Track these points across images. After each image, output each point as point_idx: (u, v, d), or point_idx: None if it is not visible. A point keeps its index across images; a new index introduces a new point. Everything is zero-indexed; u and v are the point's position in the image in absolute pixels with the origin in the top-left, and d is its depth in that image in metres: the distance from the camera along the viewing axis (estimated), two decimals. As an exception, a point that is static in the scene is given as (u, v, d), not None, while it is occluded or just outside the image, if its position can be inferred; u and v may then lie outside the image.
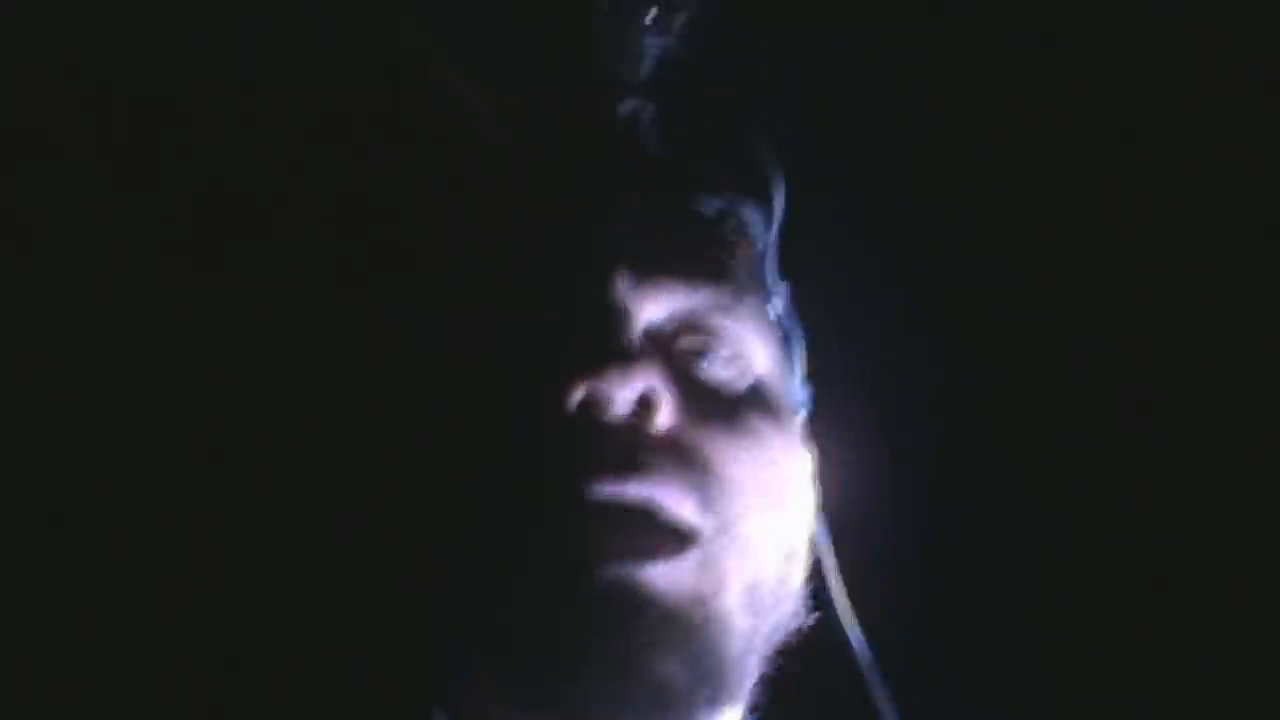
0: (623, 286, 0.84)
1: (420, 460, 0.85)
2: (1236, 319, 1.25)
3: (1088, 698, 1.20)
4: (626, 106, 0.95)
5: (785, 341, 0.99)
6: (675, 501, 0.79)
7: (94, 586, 1.04)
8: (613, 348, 0.80)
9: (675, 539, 0.79)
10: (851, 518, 1.03)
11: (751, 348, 0.89)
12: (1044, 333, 1.27)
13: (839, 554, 1.02)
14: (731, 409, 0.86)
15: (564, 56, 0.96)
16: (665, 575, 0.77)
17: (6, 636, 1.02)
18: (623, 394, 0.79)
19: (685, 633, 0.77)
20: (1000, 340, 1.27)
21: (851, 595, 1.01)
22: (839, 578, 1.01)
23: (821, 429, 1.01)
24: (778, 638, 0.88)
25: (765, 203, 0.98)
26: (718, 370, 0.87)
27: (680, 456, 0.81)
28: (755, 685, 0.87)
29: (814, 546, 0.98)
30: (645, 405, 0.80)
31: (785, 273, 1.00)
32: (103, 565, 1.05)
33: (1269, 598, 1.21)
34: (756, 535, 0.83)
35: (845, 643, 1.00)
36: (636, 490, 0.78)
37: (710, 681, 0.79)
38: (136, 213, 1.12)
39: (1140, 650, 1.19)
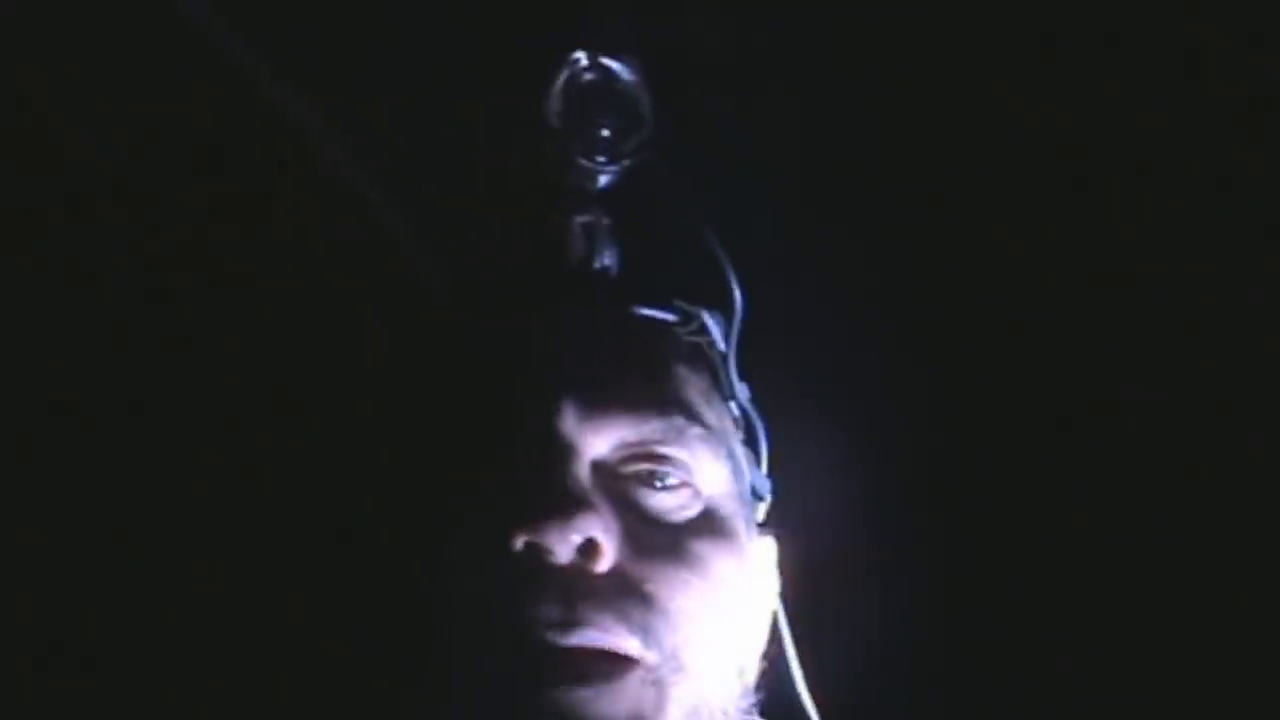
0: (569, 421, 0.84)
1: (366, 584, 0.88)
2: (1235, 315, 1.23)
3: None
4: (581, 221, 0.93)
5: (748, 436, 0.99)
6: (615, 644, 0.80)
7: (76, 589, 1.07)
8: (555, 494, 0.81)
9: (615, 664, 0.80)
10: (815, 601, 1.03)
11: (701, 471, 0.89)
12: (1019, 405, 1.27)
13: (801, 640, 1.02)
14: (677, 538, 0.86)
15: (517, 172, 0.95)
16: (606, 696, 0.79)
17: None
18: (562, 544, 0.79)
19: None
20: (967, 417, 1.27)
21: (811, 683, 1.01)
22: (799, 666, 1.01)
23: (785, 515, 1.02)
24: None
25: (725, 306, 0.98)
26: (665, 499, 0.87)
27: (622, 595, 0.81)
28: None
29: (775, 634, 0.99)
30: (585, 551, 0.81)
31: (746, 371, 0.99)
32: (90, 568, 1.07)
33: (1268, 599, 1.21)
34: (703, 660, 0.84)
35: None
36: (578, 640, 0.79)
37: None
38: (134, 212, 1.13)
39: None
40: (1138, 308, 1.26)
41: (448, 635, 0.81)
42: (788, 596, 1.00)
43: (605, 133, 0.91)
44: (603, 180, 0.93)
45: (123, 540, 1.07)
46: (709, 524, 0.89)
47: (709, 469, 0.90)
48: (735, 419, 0.98)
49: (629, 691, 0.79)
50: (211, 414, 1.09)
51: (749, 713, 0.91)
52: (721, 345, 0.98)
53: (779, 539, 1.01)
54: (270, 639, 1.03)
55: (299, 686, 0.97)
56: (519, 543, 0.79)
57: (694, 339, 0.97)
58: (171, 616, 1.07)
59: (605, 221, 0.94)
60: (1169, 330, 1.25)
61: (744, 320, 0.98)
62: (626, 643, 0.80)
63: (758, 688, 0.93)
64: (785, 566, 1.00)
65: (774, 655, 0.98)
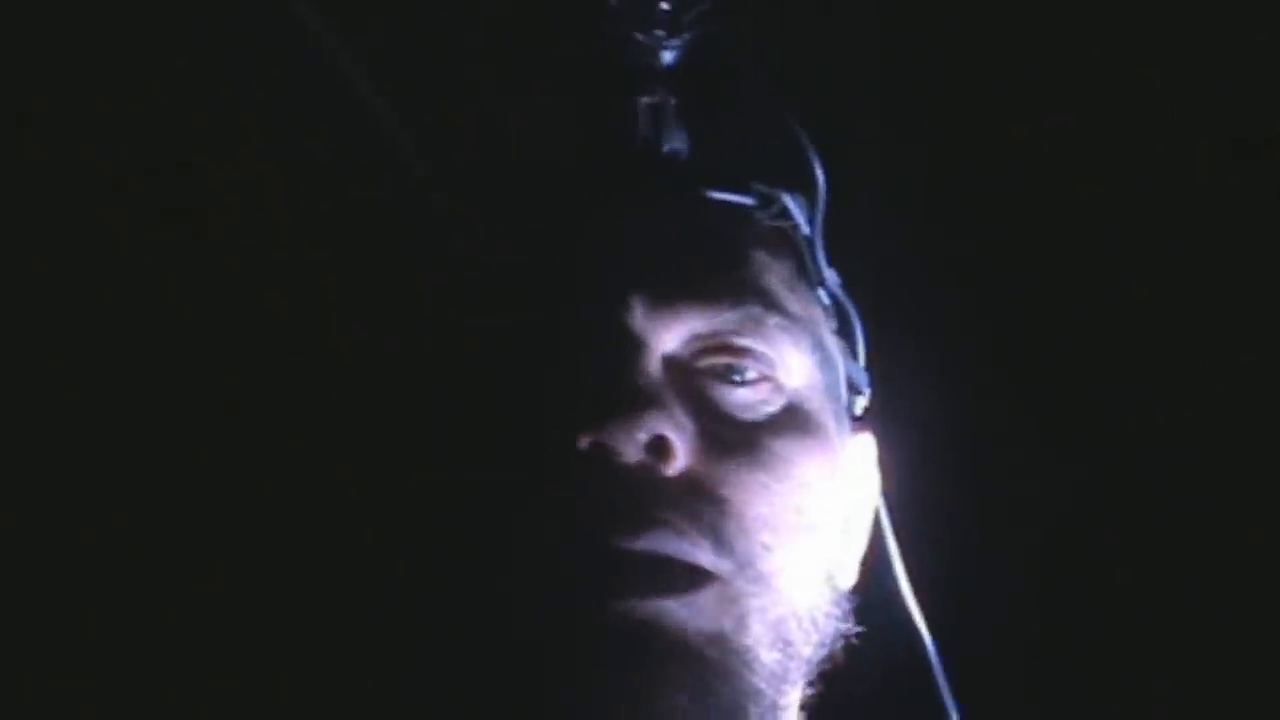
0: (637, 315, 0.80)
1: (429, 494, 0.83)
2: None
3: (1165, 686, 1.15)
4: (648, 102, 0.87)
5: (842, 326, 0.94)
6: (688, 551, 0.76)
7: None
8: (621, 391, 0.76)
9: (690, 577, 0.76)
10: (918, 499, 0.99)
11: (783, 363, 0.84)
12: (1104, 297, 1.19)
13: (904, 538, 0.97)
14: (756, 437, 0.81)
15: (579, 55, 0.89)
16: (679, 611, 0.74)
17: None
18: (629, 444, 0.75)
19: (699, 670, 0.75)
20: (1058, 307, 1.20)
21: (916, 581, 0.96)
22: (903, 564, 0.97)
23: (887, 411, 0.96)
24: (818, 662, 0.84)
25: (806, 187, 0.91)
26: (743, 394, 0.82)
27: (695, 499, 0.77)
28: (798, 713, 0.85)
29: (877, 535, 0.94)
30: (656, 450, 0.76)
31: (835, 257, 0.93)
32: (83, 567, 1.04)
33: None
34: (782, 569, 0.79)
35: (909, 630, 0.96)
36: (646, 544, 0.75)
37: (738, 712, 0.76)
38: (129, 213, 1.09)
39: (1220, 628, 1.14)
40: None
41: (511, 545, 0.77)
42: (890, 495, 0.96)
43: (665, 5, 0.85)
44: (667, 57, 0.87)
45: (126, 533, 1.05)
46: (793, 420, 0.83)
47: (792, 360, 0.84)
48: (825, 308, 0.93)
49: (705, 608, 0.75)
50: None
51: (845, 619, 0.86)
52: (805, 228, 0.91)
53: (880, 435, 0.95)
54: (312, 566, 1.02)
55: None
56: (584, 444, 0.75)
57: (776, 223, 0.90)
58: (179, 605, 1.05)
59: (672, 102, 0.87)
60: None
61: (831, 202, 0.91)
62: (698, 549, 0.76)
63: (855, 591, 0.89)
64: (888, 464, 0.96)
65: (875, 557, 0.94)
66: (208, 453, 1.05)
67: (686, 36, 0.85)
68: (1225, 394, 1.16)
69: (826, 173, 0.90)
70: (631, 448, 0.75)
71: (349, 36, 0.97)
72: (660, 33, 0.84)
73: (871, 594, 0.91)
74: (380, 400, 0.91)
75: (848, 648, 0.85)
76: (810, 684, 0.84)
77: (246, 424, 1.05)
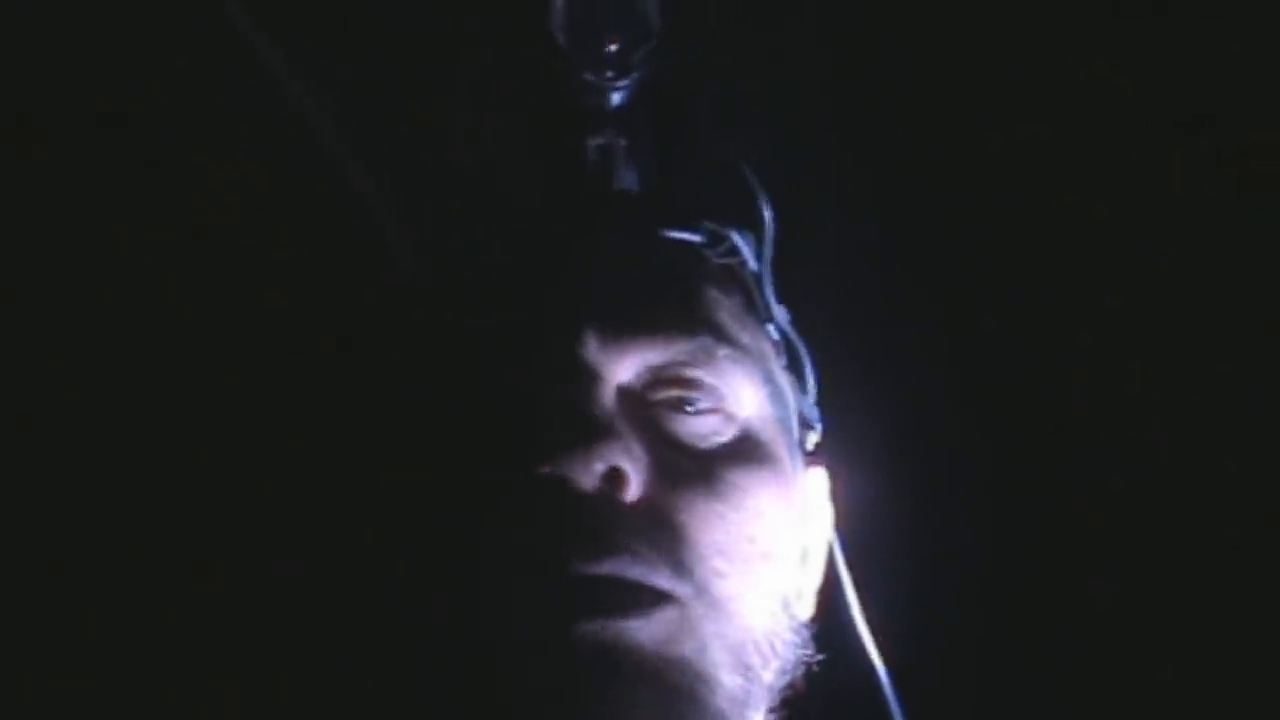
0: (591, 348, 0.81)
1: (389, 518, 0.85)
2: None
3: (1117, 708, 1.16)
4: (596, 143, 0.90)
5: (791, 362, 0.95)
6: (646, 575, 0.76)
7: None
8: (576, 423, 0.78)
9: (650, 600, 0.76)
10: (871, 533, 1.00)
11: (734, 395, 0.85)
12: (1055, 327, 1.21)
13: (858, 571, 0.98)
14: (710, 466, 0.82)
15: (528, 98, 0.92)
16: (640, 633, 0.75)
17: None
18: (585, 474, 0.76)
19: (661, 691, 0.75)
20: (1011, 340, 1.21)
21: (870, 614, 0.97)
22: (857, 597, 0.98)
23: (838, 444, 0.97)
24: (780, 689, 0.85)
25: (754, 225, 0.93)
26: (696, 424, 0.83)
27: (651, 526, 0.78)
28: None
29: (830, 565, 0.95)
30: (611, 480, 0.77)
31: (784, 293, 0.95)
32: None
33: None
34: (739, 595, 0.80)
35: (864, 663, 0.97)
36: (607, 569, 0.75)
37: None
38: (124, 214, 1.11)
39: (1170, 652, 1.15)
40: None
41: (473, 572, 0.77)
42: (843, 529, 0.96)
43: (613, 47, 0.87)
44: (615, 98, 0.89)
45: (125, 534, 1.06)
46: (745, 450, 0.84)
47: (744, 392, 0.86)
48: (775, 343, 0.94)
49: (665, 630, 0.76)
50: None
51: (804, 646, 0.87)
52: (754, 265, 0.93)
53: (832, 470, 0.96)
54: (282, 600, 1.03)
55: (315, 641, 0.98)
56: (542, 474, 0.76)
57: (725, 260, 0.92)
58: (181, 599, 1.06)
59: (622, 142, 0.90)
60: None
61: (779, 240, 0.93)
62: (657, 572, 0.76)
63: (814, 621, 0.90)
64: (841, 498, 0.96)
65: (830, 589, 0.95)
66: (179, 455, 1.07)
67: (634, 77, 0.87)
68: (1189, 417, 1.18)
69: (775, 210, 0.92)
70: (587, 478, 0.76)
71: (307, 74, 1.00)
72: (609, 73, 0.86)
73: (827, 626, 0.91)
74: (343, 432, 0.93)
75: (808, 675, 0.86)
76: (772, 710, 0.85)
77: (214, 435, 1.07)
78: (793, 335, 0.95)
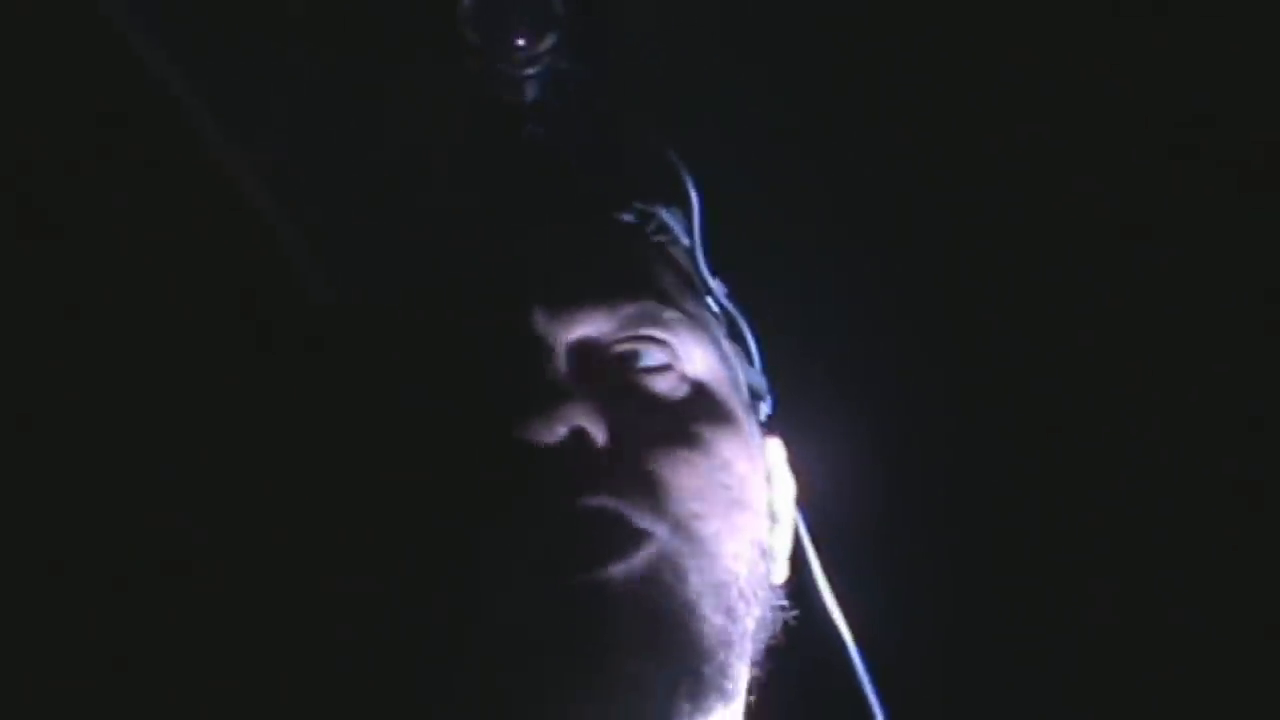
0: (539, 319, 0.83)
1: (364, 489, 0.85)
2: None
3: (1079, 694, 1.15)
4: (521, 134, 0.94)
5: (732, 332, 0.97)
6: (626, 510, 0.78)
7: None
8: (533, 391, 0.79)
9: (631, 538, 0.77)
10: (831, 504, 1.01)
11: (686, 353, 0.87)
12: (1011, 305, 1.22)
13: (821, 542, 0.99)
14: (671, 419, 0.84)
15: (447, 94, 0.94)
16: (623, 573, 0.76)
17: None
18: (550, 437, 0.77)
19: (652, 630, 0.76)
20: (970, 317, 1.22)
21: (835, 584, 0.99)
22: (821, 567, 0.99)
23: (790, 416, 0.98)
24: (762, 637, 0.86)
25: (680, 201, 0.96)
26: (651, 381, 0.85)
27: (626, 472, 0.80)
28: (747, 687, 0.85)
29: (794, 536, 0.96)
30: (578, 440, 0.79)
31: (721, 266, 0.97)
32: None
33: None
34: (716, 536, 0.81)
35: (831, 635, 0.98)
36: (588, 502, 0.77)
37: (686, 680, 0.77)
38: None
39: (1132, 644, 1.14)
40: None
41: (451, 533, 0.78)
42: (803, 501, 0.97)
43: (521, 41, 0.91)
44: (530, 91, 0.93)
45: (126, 534, 1.07)
46: (702, 403, 0.86)
47: (694, 352, 0.88)
48: (715, 315, 0.96)
49: (646, 566, 0.77)
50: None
51: (779, 602, 0.88)
52: (685, 241, 0.96)
53: (789, 442, 0.97)
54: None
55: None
56: (509, 439, 0.77)
57: (658, 238, 0.95)
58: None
59: (542, 131, 0.94)
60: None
61: (709, 214, 0.95)
62: (636, 510, 0.78)
63: (786, 585, 0.92)
64: (799, 470, 0.97)
65: (798, 566, 0.96)
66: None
67: (543, 67, 0.90)
68: (1143, 394, 1.18)
69: (699, 187, 0.94)
70: (552, 440, 0.77)
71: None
72: (520, 66, 0.90)
73: (794, 599, 0.91)
74: (309, 410, 0.95)
75: (786, 630, 0.88)
76: (755, 664, 0.85)
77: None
78: (731, 308, 0.96)
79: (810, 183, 1.17)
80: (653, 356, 0.85)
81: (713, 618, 0.79)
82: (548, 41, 0.89)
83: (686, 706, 0.77)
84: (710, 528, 0.80)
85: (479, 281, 0.86)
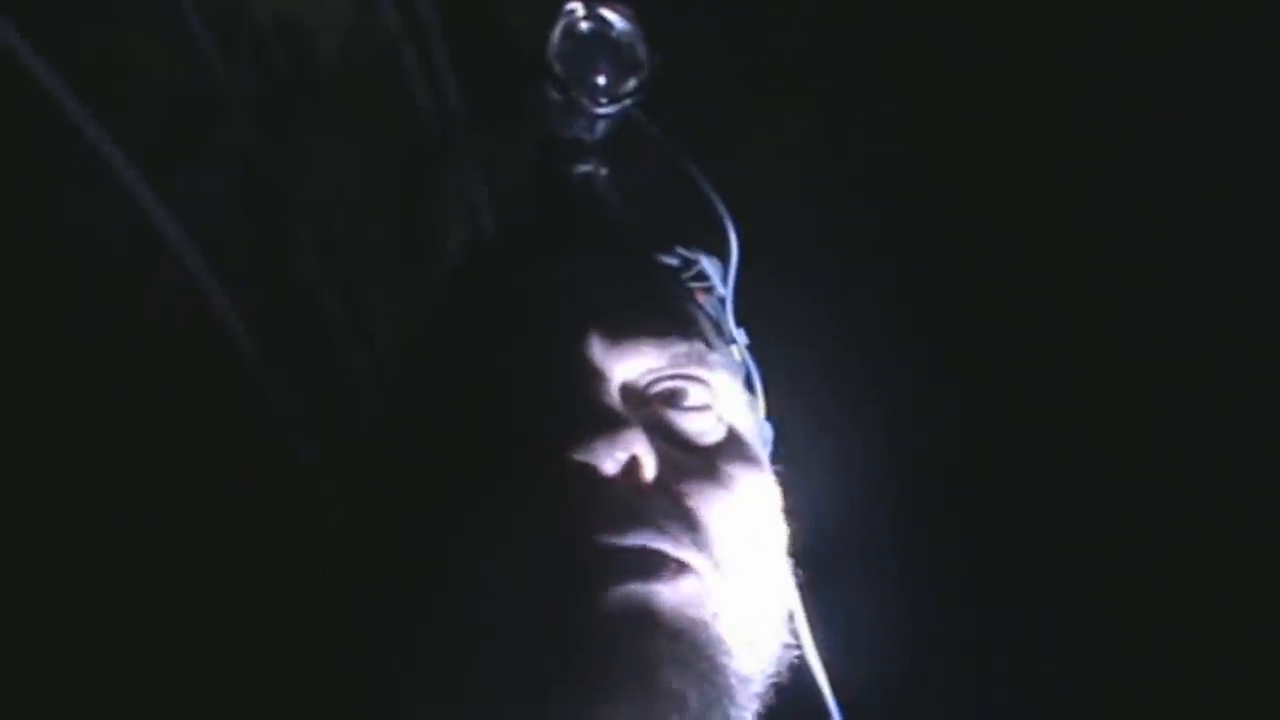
0: (596, 349, 0.86)
1: (413, 504, 0.88)
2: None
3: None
4: (582, 169, 0.97)
5: (748, 382, 1.01)
6: (671, 546, 0.81)
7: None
8: (598, 415, 0.82)
9: (674, 568, 0.80)
10: (816, 554, 1.01)
11: (723, 396, 0.91)
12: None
13: (805, 594, 1.00)
14: (707, 459, 0.88)
15: (518, 122, 0.97)
16: (668, 594, 0.79)
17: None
18: (609, 461, 0.80)
19: (693, 652, 0.79)
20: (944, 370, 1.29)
21: (817, 637, 1.00)
22: (807, 619, 1.00)
23: (782, 466, 1.01)
24: (769, 675, 0.88)
25: (721, 251, 1.00)
26: (691, 420, 0.89)
27: (670, 506, 0.83)
28: None
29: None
30: (631, 468, 0.82)
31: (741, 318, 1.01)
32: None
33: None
34: (746, 576, 0.85)
35: (814, 688, 1.00)
36: (634, 540, 0.79)
37: (721, 704, 0.80)
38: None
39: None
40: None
41: (504, 550, 0.80)
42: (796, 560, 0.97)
43: (601, 80, 0.95)
44: (599, 129, 0.97)
45: (123, 535, 1.07)
46: (735, 447, 0.90)
47: (731, 395, 0.92)
48: (736, 364, 1.00)
49: (689, 595, 0.80)
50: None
51: (789, 640, 0.91)
52: (720, 290, 1.01)
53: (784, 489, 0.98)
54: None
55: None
56: (568, 461, 0.80)
57: (694, 284, 1.00)
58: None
59: (603, 171, 0.98)
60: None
61: (741, 267, 1.00)
62: (681, 545, 0.81)
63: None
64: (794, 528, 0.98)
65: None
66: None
67: (621, 106, 0.95)
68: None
69: (740, 238, 0.99)
70: (611, 465, 0.80)
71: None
72: (600, 101, 0.94)
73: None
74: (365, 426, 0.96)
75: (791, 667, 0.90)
76: (760, 698, 0.86)
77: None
78: (748, 357, 1.01)
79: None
80: (696, 396, 0.89)
81: (740, 654, 0.82)
82: (629, 84, 0.94)
83: None
84: (742, 568, 0.85)
85: (541, 307, 0.90)
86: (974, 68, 1.24)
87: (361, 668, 0.88)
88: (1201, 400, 1.18)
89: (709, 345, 0.92)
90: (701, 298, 1.00)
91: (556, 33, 0.93)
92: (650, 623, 0.78)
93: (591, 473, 0.80)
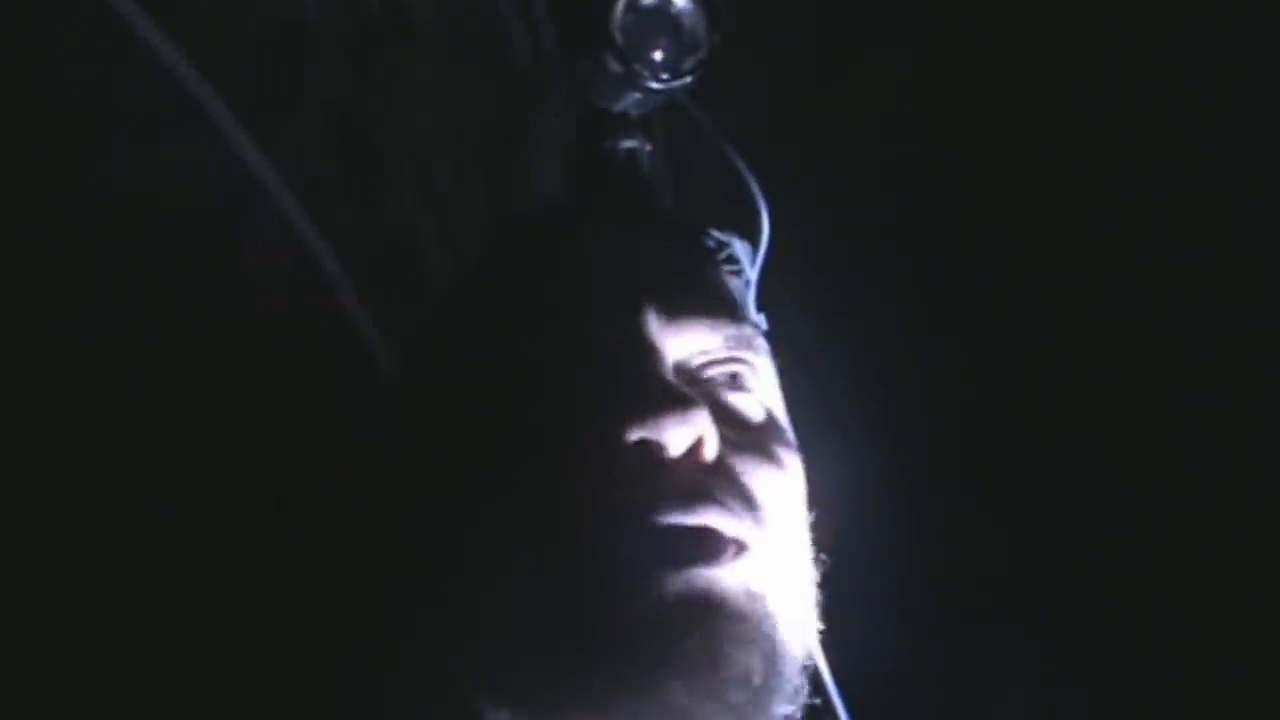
0: (652, 325, 0.85)
1: (476, 483, 0.85)
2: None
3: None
4: (627, 144, 0.96)
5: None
6: (733, 524, 0.81)
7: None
8: (664, 392, 0.81)
9: (733, 549, 0.80)
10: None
11: (763, 379, 0.91)
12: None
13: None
14: (758, 439, 0.88)
15: (567, 95, 0.96)
16: (729, 579, 0.79)
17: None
18: (679, 441, 0.80)
19: (756, 630, 0.79)
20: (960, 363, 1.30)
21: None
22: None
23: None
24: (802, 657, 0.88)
25: (753, 235, 1.01)
26: (741, 401, 0.89)
27: (731, 484, 0.83)
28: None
29: None
30: (696, 446, 0.81)
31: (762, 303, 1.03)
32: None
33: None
34: (795, 553, 0.87)
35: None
36: (699, 518, 0.79)
37: (782, 681, 0.81)
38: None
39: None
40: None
41: (569, 529, 0.79)
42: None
43: (658, 55, 0.94)
44: (647, 105, 0.96)
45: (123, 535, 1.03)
46: (777, 429, 0.91)
47: (769, 378, 0.92)
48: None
49: (748, 575, 0.80)
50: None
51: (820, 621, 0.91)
52: (749, 273, 1.01)
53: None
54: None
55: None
56: (633, 438, 0.79)
57: (726, 267, 1.00)
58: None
59: (648, 148, 0.97)
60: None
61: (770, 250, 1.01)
62: (742, 523, 0.81)
63: None
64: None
65: None
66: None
67: (680, 82, 0.94)
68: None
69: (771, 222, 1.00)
70: (679, 444, 0.80)
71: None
72: (659, 74, 0.93)
73: None
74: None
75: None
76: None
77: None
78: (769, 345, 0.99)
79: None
80: (746, 379, 0.89)
81: (785, 629, 0.83)
82: (688, 62, 0.93)
83: (772, 711, 0.81)
84: (791, 545, 0.86)
85: (587, 282, 0.88)
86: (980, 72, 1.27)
87: (409, 649, 0.87)
88: (1218, 400, 1.21)
89: (755, 328, 0.92)
90: (733, 281, 1.00)
91: (620, 4, 0.92)
92: (715, 608, 0.78)
93: (658, 451, 0.79)
